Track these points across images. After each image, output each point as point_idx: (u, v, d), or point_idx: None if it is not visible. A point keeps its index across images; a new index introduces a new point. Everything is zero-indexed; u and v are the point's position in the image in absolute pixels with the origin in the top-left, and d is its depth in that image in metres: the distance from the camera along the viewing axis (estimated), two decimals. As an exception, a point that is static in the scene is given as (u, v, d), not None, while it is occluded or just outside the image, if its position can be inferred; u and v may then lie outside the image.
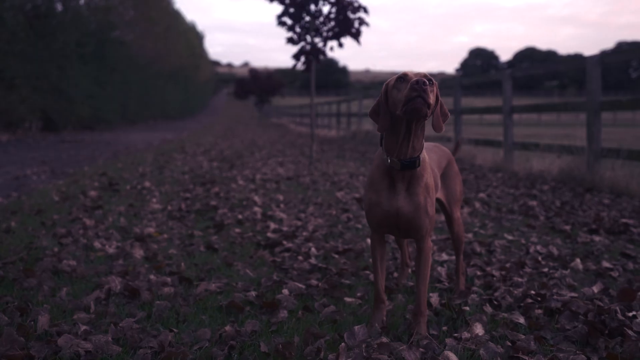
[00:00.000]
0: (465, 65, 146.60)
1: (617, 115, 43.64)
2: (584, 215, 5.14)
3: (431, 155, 2.63)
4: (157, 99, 41.09)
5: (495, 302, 2.71)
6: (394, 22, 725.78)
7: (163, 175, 7.72)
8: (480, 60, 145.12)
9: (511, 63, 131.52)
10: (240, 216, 4.79)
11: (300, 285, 2.89)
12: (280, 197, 5.83)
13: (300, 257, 3.46)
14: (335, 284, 2.93)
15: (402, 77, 2.18)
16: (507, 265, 3.35)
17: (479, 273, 3.22)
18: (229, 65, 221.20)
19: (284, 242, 3.83)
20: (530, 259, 3.56)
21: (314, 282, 2.98)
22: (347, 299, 2.74)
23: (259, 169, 8.79)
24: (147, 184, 6.65)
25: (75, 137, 18.75)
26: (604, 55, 7.28)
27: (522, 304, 2.69)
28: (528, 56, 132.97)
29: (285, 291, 2.79)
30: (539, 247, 3.84)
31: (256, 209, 5.13)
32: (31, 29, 18.42)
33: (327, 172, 8.34)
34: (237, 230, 4.24)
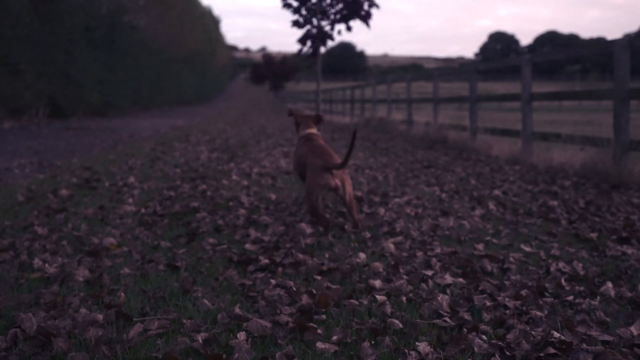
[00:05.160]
0: (485, 50, 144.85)
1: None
2: (612, 219, 4.53)
3: None
4: (172, 84, 40.66)
5: (507, 353, 2.14)
6: (415, 4, 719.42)
7: (153, 169, 7.17)
8: (500, 45, 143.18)
9: (532, 47, 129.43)
10: (220, 221, 4.23)
11: (264, 323, 2.33)
12: (272, 197, 5.26)
13: (273, 280, 2.89)
14: (307, 322, 2.36)
15: None
16: (523, 292, 2.76)
17: (488, 304, 2.64)
18: (247, 50, 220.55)
19: (260, 258, 3.26)
20: (550, 281, 2.97)
21: (283, 317, 2.42)
22: (320, 345, 2.18)
23: (259, 160, 8.23)
24: (131, 179, 6.10)
25: (81, 124, 18.30)
26: (633, 37, 6.61)
27: (542, 355, 2.11)
28: (549, 40, 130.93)
29: (242, 335, 2.23)
30: (561, 265, 3.25)
31: (241, 211, 4.57)
32: (36, 13, 17.93)
33: (332, 165, 7.74)
34: (211, 240, 3.68)
